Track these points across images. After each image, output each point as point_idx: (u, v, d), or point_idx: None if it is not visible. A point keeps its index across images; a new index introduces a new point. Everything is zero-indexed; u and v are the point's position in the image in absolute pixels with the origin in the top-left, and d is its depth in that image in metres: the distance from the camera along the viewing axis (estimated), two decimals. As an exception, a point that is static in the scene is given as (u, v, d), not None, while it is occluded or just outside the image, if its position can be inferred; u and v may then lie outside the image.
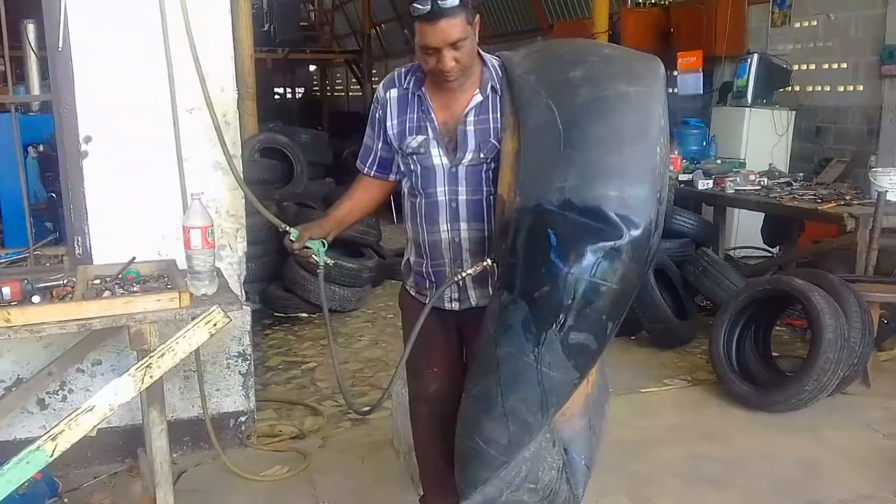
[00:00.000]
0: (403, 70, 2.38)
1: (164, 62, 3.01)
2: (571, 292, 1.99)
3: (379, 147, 2.42)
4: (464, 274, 2.24)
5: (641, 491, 3.13)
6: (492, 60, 2.29)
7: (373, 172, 2.46)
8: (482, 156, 2.25)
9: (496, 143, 2.23)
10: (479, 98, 2.25)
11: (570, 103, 2.05)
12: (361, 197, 2.51)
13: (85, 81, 3.01)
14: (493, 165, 2.25)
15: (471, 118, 2.25)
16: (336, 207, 2.50)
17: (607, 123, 2.02)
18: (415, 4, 2.08)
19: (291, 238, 2.33)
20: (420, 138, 2.29)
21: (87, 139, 3.05)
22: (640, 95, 2.06)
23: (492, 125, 2.24)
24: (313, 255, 2.34)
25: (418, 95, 2.30)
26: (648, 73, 2.12)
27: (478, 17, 2.18)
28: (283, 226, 2.37)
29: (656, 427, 3.73)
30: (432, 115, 2.28)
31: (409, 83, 2.32)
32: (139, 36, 3.02)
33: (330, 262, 2.38)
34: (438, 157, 2.29)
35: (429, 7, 2.06)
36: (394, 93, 2.34)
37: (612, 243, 1.97)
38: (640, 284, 2.13)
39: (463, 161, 2.26)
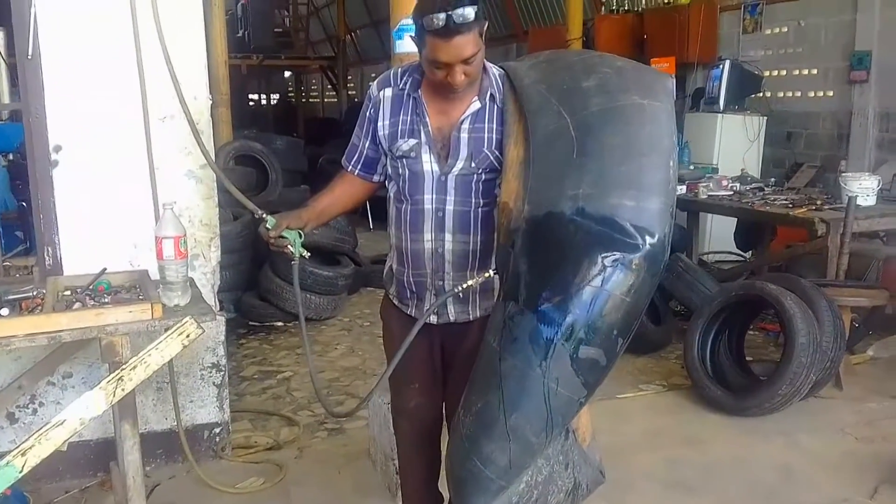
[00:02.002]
0: (400, 69, 2.30)
1: (135, 70, 2.98)
2: (584, 303, 1.90)
3: (366, 146, 2.34)
4: (465, 285, 2.16)
5: (620, 498, 3.12)
6: (493, 69, 2.23)
7: (357, 171, 2.38)
8: (473, 165, 2.19)
9: (489, 154, 2.18)
10: (476, 105, 2.18)
11: (582, 112, 1.99)
12: (342, 194, 2.42)
13: (55, 90, 2.97)
14: (483, 177, 2.20)
15: (466, 125, 2.18)
16: (316, 200, 2.41)
17: (622, 132, 1.96)
18: (428, 18, 1.98)
19: (268, 226, 2.23)
20: (412, 142, 2.22)
21: (58, 148, 3.01)
22: (653, 108, 2.01)
23: (487, 135, 2.18)
24: (289, 246, 2.24)
25: (414, 97, 2.22)
26: (661, 88, 2.08)
27: (486, 23, 2.09)
28: (260, 212, 2.27)
29: (633, 433, 3.74)
30: (427, 119, 2.21)
31: (405, 84, 2.24)
32: (110, 44, 2.99)
33: (306, 253, 2.27)
34: (429, 164, 2.22)
35: (443, 23, 1.96)
36: (388, 92, 2.26)
37: (626, 254, 1.88)
38: (649, 301, 2.01)
39: (454, 169, 2.20)
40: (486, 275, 2.15)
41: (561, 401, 1.99)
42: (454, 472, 2.19)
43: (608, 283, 1.89)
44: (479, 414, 2.09)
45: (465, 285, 2.16)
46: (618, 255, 1.88)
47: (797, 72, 7.06)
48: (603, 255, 1.89)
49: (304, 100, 19.52)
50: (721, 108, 7.02)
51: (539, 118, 2.05)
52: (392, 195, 2.34)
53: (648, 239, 1.89)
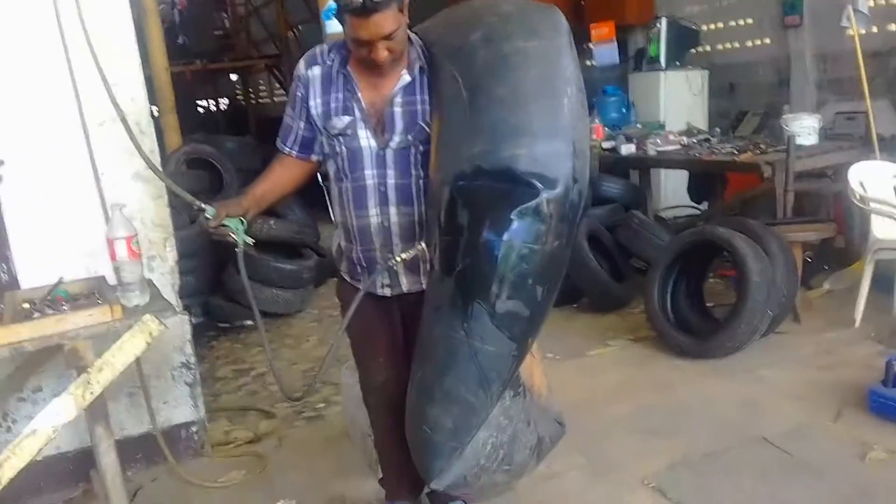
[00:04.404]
0: (326, 47, 2.28)
1: (69, 78, 2.96)
2: (492, 260, 1.94)
3: (301, 126, 2.32)
4: (397, 259, 2.20)
5: (595, 448, 3.20)
6: (417, 39, 2.23)
7: (294, 152, 2.37)
8: (410, 138, 2.20)
9: (424, 126, 2.19)
10: (406, 79, 2.18)
11: (470, 68, 2.01)
12: (281, 176, 2.41)
13: (-10, 105, 2.95)
14: (421, 149, 2.21)
15: (399, 99, 2.19)
16: (255, 186, 2.39)
17: (507, 82, 1.96)
18: None
19: (207, 216, 2.19)
20: (346, 119, 2.22)
21: (0, 164, 2.99)
22: (538, 49, 2.00)
23: (420, 107, 2.20)
24: (231, 234, 2.21)
25: (343, 74, 2.22)
26: (548, 26, 2.06)
27: None
28: (199, 203, 2.21)
29: (604, 386, 3.83)
30: (359, 94, 2.20)
31: (332, 60, 2.23)
32: (41, 54, 2.96)
33: (250, 241, 2.24)
34: (366, 139, 2.22)
35: (360, 2, 1.97)
36: (316, 70, 2.25)
37: (528, 204, 1.91)
38: (571, 243, 2.06)
39: (391, 143, 2.21)
40: (418, 247, 2.19)
41: (489, 357, 2.05)
42: (410, 442, 2.30)
43: (512, 235, 1.92)
44: (419, 383, 2.19)
45: (397, 259, 2.21)
46: (520, 206, 1.90)
47: (733, 23, 7.17)
48: (505, 209, 1.91)
49: (253, 101, 19.31)
50: (663, 66, 7.11)
51: (440, 84, 2.08)
52: (332, 174, 2.34)
53: (548, 184, 1.91)
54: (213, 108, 19.71)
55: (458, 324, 2.02)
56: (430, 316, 2.12)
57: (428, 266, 2.30)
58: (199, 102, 18.89)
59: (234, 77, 19.01)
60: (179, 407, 3.44)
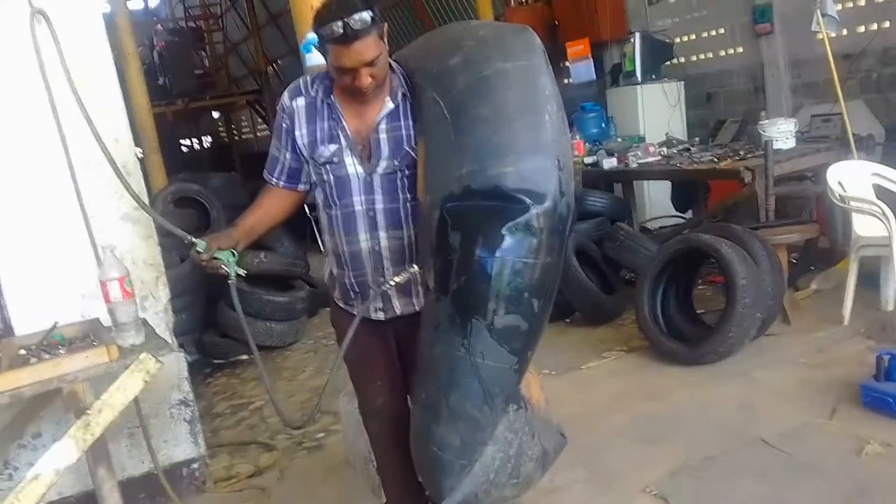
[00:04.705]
0: (309, 78, 2.33)
1: (54, 122, 2.99)
2: (487, 277, 1.97)
3: (287, 157, 2.35)
4: (391, 283, 2.23)
5: (595, 459, 3.22)
6: (398, 67, 2.27)
7: (281, 183, 2.39)
8: (396, 163, 2.24)
9: (409, 151, 2.23)
10: (390, 106, 2.22)
11: (452, 91, 2.06)
12: (269, 207, 2.44)
13: (-23, 153, 2.97)
14: (407, 173, 2.25)
15: (383, 126, 2.23)
16: (244, 218, 2.39)
17: (490, 103, 2.00)
18: (327, 27, 2.03)
19: (199, 250, 2.19)
20: (333, 147, 2.25)
21: (-11, 213, 3.01)
22: (518, 69, 2.05)
23: (404, 132, 2.24)
24: (223, 266, 2.21)
25: (328, 103, 2.25)
26: (523, 47, 2.11)
27: (386, 25, 2.12)
28: (189, 237, 2.22)
29: (600, 398, 3.85)
30: (344, 123, 2.24)
31: (316, 91, 2.27)
32: (26, 101, 3.00)
33: (242, 272, 2.26)
34: (353, 166, 2.26)
35: (342, 30, 2.01)
36: (301, 101, 2.29)
37: (518, 219, 1.95)
38: (563, 255, 2.10)
39: (378, 169, 2.25)
40: (410, 271, 2.22)
41: (491, 372, 2.08)
42: (418, 463, 2.31)
43: (505, 251, 1.96)
44: (424, 403, 2.21)
45: (391, 283, 2.24)
46: (511, 222, 1.95)
47: (706, 34, 7.28)
48: (497, 226, 1.96)
49: (236, 137, 19.41)
50: (639, 80, 7.21)
51: (423, 108, 2.14)
52: (320, 202, 2.37)
53: (536, 199, 1.96)
54: (196, 146, 19.79)
55: (459, 341, 2.05)
56: (430, 336, 2.15)
57: (420, 288, 2.33)
58: (182, 141, 18.97)
59: (216, 114, 19.12)
60: (180, 444, 3.44)
